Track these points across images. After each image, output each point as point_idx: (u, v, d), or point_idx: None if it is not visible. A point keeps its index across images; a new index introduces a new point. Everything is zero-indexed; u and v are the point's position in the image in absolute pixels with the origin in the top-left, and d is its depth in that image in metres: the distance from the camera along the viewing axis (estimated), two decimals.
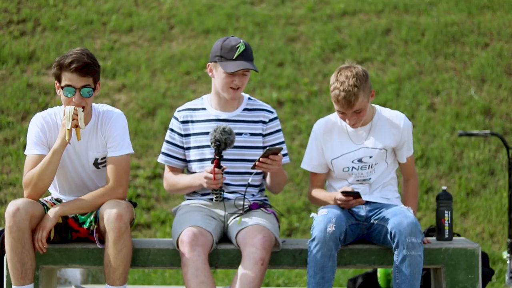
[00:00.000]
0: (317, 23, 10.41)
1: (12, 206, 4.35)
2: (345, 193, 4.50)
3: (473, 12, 10.34)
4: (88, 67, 4.44)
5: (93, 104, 4.64)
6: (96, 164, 4.63)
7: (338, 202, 4.53)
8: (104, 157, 4.63)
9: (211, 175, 4.45)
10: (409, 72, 9.57)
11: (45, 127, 4.58)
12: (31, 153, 4.54)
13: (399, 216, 4.39)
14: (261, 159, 4.44)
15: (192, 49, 10.03)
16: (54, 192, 4.74)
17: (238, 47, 4.59)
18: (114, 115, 4.62)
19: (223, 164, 4.53)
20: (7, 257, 4.42)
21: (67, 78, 4.43)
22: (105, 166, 4.63)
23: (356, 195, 4.49)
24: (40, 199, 4.56)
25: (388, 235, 4.40)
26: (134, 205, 4.70)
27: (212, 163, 4.46)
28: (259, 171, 4.64)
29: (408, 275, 4.31)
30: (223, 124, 4.51)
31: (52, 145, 4.53)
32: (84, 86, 4.45)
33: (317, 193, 4.73)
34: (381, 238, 4.52)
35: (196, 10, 10.64)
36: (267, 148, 4.45)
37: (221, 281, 7.31)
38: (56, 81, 4.52)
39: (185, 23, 10.46)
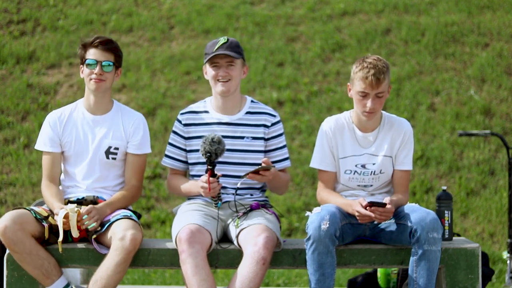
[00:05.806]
0: (317, 23, 10.40)
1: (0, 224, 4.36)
2: (371, 203, 4.38)
3: (473, 12, 10.34)
4: (110, 43, 4.66)
5: None
6: (107, 152, 4.69)
7: (357, 214, 4.43)
8: (117, 149, 4.69)
9: (206, 185, 4.45)
10: (409, 72, 9.57)
11: (57, 124, 4.69)
12: (44, 149, 4.68)
13: (419, 212, 4.39)
14: (250, 174, 4.48)
15: (192, 49, 10.03)
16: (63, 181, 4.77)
17: (219, 41, 4.63)
18: (139, 115, 4.79)
19: (223, 168, 4.54)
20: (25, 270, 4.45)
21: (91, 53, 4.64)
22: (114, 159, 4.69)
23: (382, 206, 4.36)
24: (32, 207, 4.60)
25: (407, 231, 4.39)
26: (139, 216, 4.72)
27: (206, 173, 4.47)
28: (248, 179, 4.64)
29: (427, 269, 4.33)
30: (211, 134, 4.49)
31: (63, 141, 4.67)
32: (105, 61, 4.62)
33: (332, 198, 4.60)
34: (393, 236, 4.50)
35: (196, 10, 10.64)
36: (259, 166, 4.47)
37: (221, 281, 7.30)
38: (81, 66, 4.69)
39: (185, 23, 10.46)
